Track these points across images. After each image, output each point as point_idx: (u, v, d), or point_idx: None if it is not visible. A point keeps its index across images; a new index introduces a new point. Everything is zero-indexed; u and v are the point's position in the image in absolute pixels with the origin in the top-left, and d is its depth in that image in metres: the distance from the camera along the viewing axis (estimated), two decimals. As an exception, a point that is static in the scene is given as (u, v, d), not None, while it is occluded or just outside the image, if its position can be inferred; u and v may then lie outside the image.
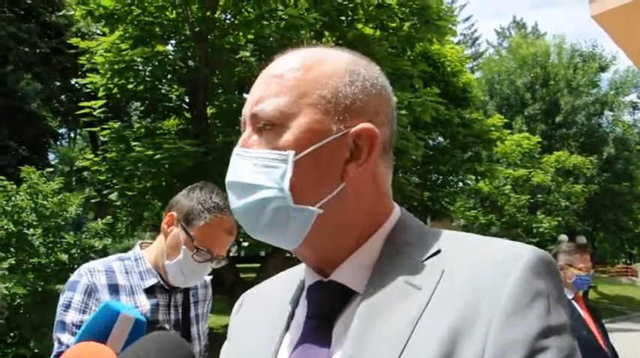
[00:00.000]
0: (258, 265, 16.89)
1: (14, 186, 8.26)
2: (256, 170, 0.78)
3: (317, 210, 0.78)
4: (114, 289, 1.87)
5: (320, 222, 0.78)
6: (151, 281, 1.93)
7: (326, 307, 0.80)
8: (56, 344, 1.80)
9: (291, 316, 0.85)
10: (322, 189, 0.78)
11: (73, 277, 1.88)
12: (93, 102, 10.23)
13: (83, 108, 10.32)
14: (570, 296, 3.49)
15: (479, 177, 18.93)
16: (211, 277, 2.19)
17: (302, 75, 0.81)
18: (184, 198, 1.95)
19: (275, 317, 0.86)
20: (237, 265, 12.82)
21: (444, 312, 0.69)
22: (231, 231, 1.92)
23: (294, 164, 0.77)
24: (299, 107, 0.79)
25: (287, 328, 0.84)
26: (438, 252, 0.77)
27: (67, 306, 1.81)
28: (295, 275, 0.92)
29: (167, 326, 1.89)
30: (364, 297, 0.76)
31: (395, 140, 0.89)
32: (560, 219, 23.26)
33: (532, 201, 23.09)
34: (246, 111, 0.84)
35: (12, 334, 7.27)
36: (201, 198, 1.91)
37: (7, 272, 7.22)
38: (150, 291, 1.92)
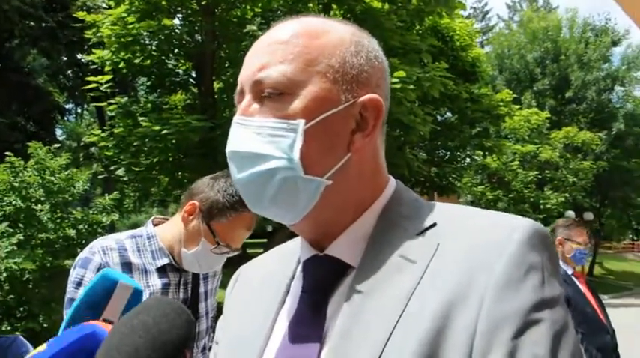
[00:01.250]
0: (264, 240, 16.98)
1: (22, 162, 8.27)
2: (261, 139, 0.76)
3: (326, 181, 0.76)
4: (127, 267, 1.84)
5: (324, 194, 0.76)
6: (163, 261, 1.91)
7: (321, 281, 0.79)
8: None
9: (287, 290, 0.84)
10: (330, 159, 0.76)
11: (84, 253, 1.85)
12: (99, 77, 10.18)
13: (90, 83, 10.28)
14: (570, 272, 3.49)
15: (486, 153, 18.83)
16: None
17: (308, 42, 0.78)
18: (208, 188, 1.89)
19: (271, 291, 0.85)
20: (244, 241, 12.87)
21: (438, 286, 0.68)
22: (251, 226, 1.90)
23: (304, 133, 0.75)
24: (308, 74, 0.76)
25: (283, 302, 0.83)
26: (434, 225, 0.76)
27: (79, 284, 1.79)
28: (291, 250, 0.90)
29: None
30: (359, 271, 0.76)
31: (388, 115, 0.87)
32: (567, 195, 23.16)
33: (540, 177, 22.98)
34: (245, 78, 0.80)
35: (21, 308, 7.35)
36: (227, 193, 1.85)
37: (15, 248, 7.26)
38: (161, 271, 1.90)
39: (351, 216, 0.80)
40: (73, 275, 1.82)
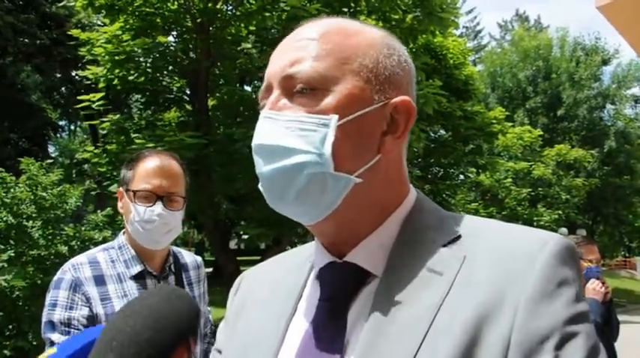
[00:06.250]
0: (258, 258, 16.91)
1: (13, 178, 8.19)
2: (290, 133, 0.73)
3: (355, 178, 0.74)
4: (100, 280, 1.85)
5: (351, 194, 0.74)
6: (137, 268, 1.91)
7: (341, 289, 0.76)
8: (48, 345, 1.77)
9: (299, 298, 0.82)
10: (360, 158, 0.75)
11: (57, 275, 1.86)
12: (91, 95, 10.15)
13: (82, 101, 10.25)
14: None
15: (480, 170, 18.90)
16: (201, 258, 2.19)
17: (341, 40, 0.77)
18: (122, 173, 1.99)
19: (281, 298, 0.83)
20: (238, 258, 12.80)
21: (466, 299, 0.67)
22: (159, 163, 1.94)
23: (336, 129, 0.73)
24: (341, 72, 0.75)
25: (295, 310, 0.81)
26: (459, 237, 0.74)
27: (54, 305, 1.79)
28: (299, 256, 0.88)
29: None
30: (382, 281, 0.73)
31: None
32: (560, 212, 23.25)
33: (533, 194, 23.06)
34: (273, 73, 0.78)
35: (10, 326, 7.23)
36: (130, 158, 1.99)
37: (6, 265, 7.17)
38: (139, 278, 1.90)
39: (373, 220, 0.78)
40: (48, 298, 1.82)
